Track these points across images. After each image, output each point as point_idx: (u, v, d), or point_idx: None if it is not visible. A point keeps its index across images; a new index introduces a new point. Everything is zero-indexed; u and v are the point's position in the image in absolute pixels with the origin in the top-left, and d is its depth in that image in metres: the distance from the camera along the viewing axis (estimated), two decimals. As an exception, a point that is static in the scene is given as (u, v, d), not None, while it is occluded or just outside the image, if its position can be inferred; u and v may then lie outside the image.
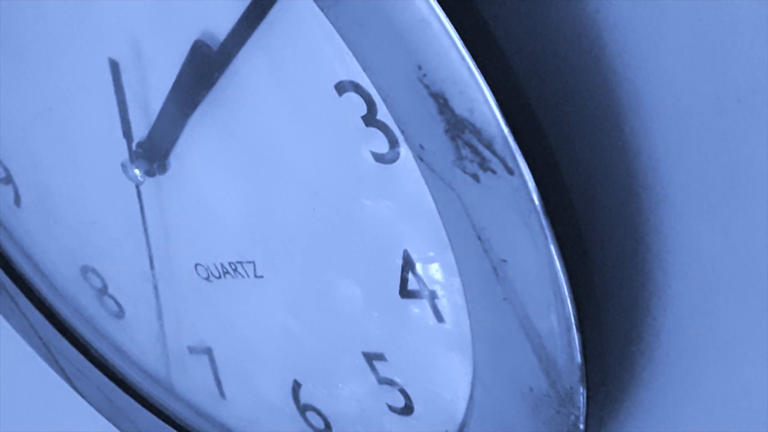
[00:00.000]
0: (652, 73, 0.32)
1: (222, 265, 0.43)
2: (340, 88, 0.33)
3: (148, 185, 0.42)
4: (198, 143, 0.39)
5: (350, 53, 0.31)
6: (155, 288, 0.47)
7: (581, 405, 0.33)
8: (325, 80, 0.33)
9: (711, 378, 0.36)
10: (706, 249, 0.34)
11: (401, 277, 0.37)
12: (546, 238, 0.30)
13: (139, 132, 0.40)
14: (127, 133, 0.40)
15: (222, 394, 0.49)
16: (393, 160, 0.34)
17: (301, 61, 0.34)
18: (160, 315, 0.48)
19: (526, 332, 0.33)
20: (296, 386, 0.45)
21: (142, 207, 0.43)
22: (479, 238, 0.32)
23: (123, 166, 0.41)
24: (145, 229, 0.44)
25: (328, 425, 0.45)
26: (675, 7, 0.30)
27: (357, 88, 0.33)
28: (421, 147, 0.31)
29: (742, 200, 0.32)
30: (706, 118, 0.31)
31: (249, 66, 0.35)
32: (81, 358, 0.53)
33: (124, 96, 0.40)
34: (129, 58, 0.39)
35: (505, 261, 0.31)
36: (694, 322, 0.36)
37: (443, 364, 0.38)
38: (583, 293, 0.31)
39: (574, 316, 0.31)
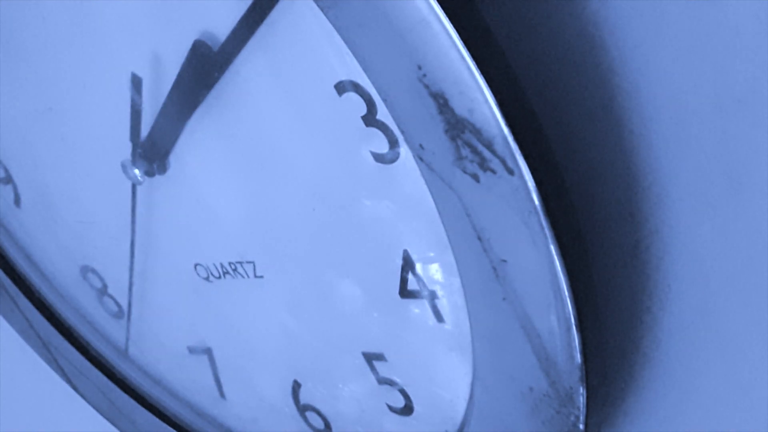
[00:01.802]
0: (652, 73, 0.32)
1: (222, 265, 0.42)
2: (340, 88, 0.33)
3: (148, 185, 0.42)
4: (198, 143, 0.39)
5: (350, 53, 0.31)
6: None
7: (581, 405, 0.33)
8: (325, 80, 0.33)
9: (711, 378, 0.36)
10: (706, 249, 0.34)
11: (401, 277, 0.37)
12: (546, 238, 0.30)
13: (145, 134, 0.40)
14: (135, 136, 0.40)
15: (222, 394, 0.49)
16: (393, 160, 0.34)
17: (301, 61, 0.34)
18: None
19: (526, 332, 0.33)
20: (296, 386, 0.45)
21: (134, 207, 0.43)
22: (479, 238, 0.32)
23: (123, 166, 0.41)
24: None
25: (327, 425, 0.45)
26: (675, 7, 0.30)
27: (357, 88, 0.33)
28: (421, 147, 0.31)
29: (742, 200, 0.32)
30: (706, 118, 0.31)
31: (249, 66, 0.35)
32: (81, 358, 0.53)
33: (141, 101, 0.39)
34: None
35: (505, 261, 0.31)
36: (693, 322, 0.35)
37: (443, 364, 0.38)
38: (583, 293, 0.31)
39: (574, 316, 0.31)
